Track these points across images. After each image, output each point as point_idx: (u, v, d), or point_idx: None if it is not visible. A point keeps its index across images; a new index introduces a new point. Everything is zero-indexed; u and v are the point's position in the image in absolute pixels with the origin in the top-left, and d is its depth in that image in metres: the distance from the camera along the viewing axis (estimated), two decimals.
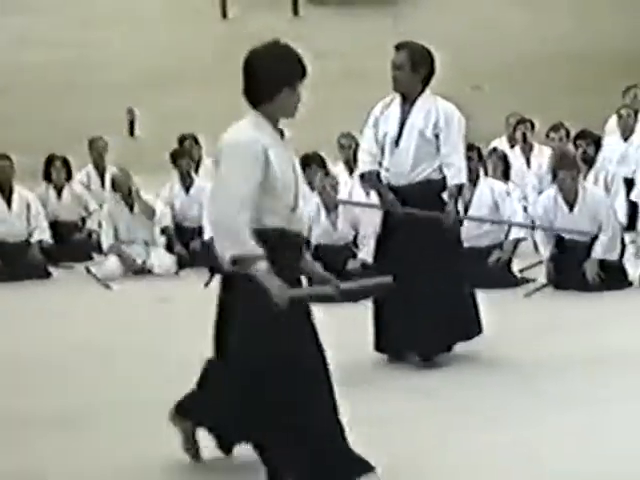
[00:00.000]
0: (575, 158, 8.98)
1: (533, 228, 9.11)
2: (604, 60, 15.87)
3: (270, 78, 4.14)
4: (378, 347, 6.42)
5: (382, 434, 4.92)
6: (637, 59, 15.69)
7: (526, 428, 4.92)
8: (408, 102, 6.27)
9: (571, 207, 8.71)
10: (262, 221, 4.13)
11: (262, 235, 4.10)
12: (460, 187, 6.27)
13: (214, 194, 4.19)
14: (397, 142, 6.25)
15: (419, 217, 6.12)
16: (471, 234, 9.10)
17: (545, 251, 8.86)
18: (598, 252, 8.57)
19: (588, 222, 8.58)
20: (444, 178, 6.26)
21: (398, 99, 6.32)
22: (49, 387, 6.23)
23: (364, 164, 6.46)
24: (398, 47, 6.26)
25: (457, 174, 6.19)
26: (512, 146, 11.69)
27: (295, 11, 16.44)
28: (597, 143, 9.90)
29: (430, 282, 6.13)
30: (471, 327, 6.41)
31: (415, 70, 6.21)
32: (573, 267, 8.62)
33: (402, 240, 6.19)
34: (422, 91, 6.26)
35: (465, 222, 9.08)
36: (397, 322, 6.21)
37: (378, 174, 6.36)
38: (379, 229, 6.56)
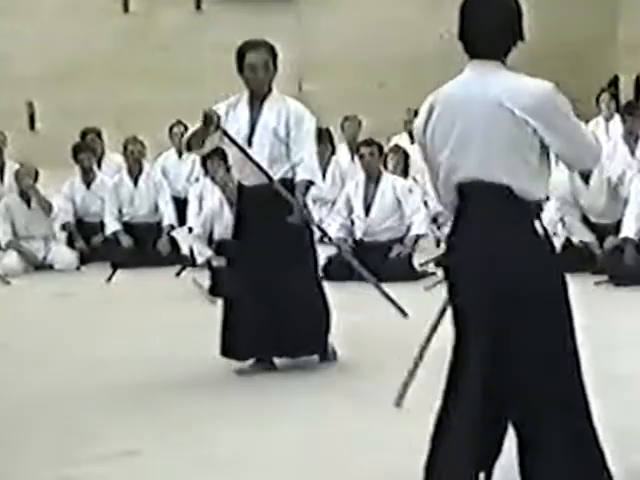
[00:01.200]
0: None
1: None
2: None
3: (512, 32, 3.78)
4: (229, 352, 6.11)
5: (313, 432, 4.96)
6: (542, 53, 15.97)
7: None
8: (257, 101, 6.11)
9: None
10: None
11: None
12: (308, 183, 6.07)
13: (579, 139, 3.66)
14: (250, 141, 6.07)
15: (275, 198, 5.90)
16: (374, 229, 9.29)
17: None
18: None
19: None
20: None
21: (245, 98, 6.15)
22: None
23: None
24: (254, 46, 6.06)
25: (305, 170, 6.04)
26: (413, 142, 11.81)
27: (197, 5, 16.36)
28: None
29: (284, 283, 5.98)
30: (315, 343, 6.19)
31: (276, 68, 6.11)
32: None
33: (257, 238, 6.03)
34: (270, 89, 6.14)
35: (369, 217, 9.20)
36: (254, 324, 5.96)
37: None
38: (236, 202, 6.38)
